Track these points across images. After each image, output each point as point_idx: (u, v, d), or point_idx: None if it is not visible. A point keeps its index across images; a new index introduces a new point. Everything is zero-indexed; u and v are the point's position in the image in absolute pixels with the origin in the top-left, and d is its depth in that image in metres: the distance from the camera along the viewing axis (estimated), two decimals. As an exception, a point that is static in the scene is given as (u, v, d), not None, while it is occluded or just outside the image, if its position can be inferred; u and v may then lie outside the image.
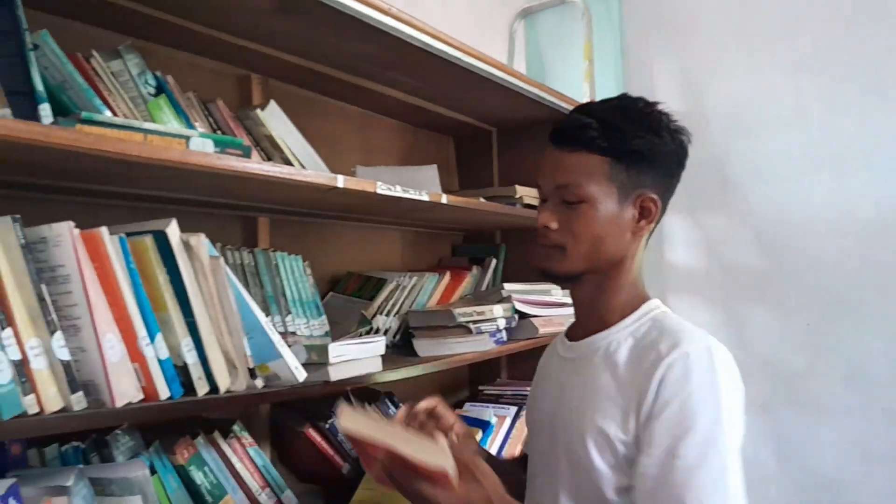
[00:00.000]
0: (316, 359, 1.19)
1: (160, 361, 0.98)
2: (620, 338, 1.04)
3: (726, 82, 2.31)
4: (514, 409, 1.82)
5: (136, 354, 0.95)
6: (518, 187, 1.88)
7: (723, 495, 0.87)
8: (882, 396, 2.07)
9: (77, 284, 0.89)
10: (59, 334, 0.87)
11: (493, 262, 2.05)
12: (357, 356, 1.26)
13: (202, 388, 1.04)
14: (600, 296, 1.07)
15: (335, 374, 1.21)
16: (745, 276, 2.29)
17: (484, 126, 2.11)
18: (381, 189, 1.31)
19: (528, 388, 1.97)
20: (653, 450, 0.90)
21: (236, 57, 1.45)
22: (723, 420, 0.90)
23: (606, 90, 2.44)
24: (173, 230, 1.00)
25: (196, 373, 1.03)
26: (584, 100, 2.09)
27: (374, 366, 1.31)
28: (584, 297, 1.10)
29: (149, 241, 0.98)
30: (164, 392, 0.98)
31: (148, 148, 0.93)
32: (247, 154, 1.09)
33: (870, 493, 2.07)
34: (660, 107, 1.05)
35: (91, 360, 0.90)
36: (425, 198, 1.40)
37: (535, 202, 1.95)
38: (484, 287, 2.01)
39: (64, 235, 0.89)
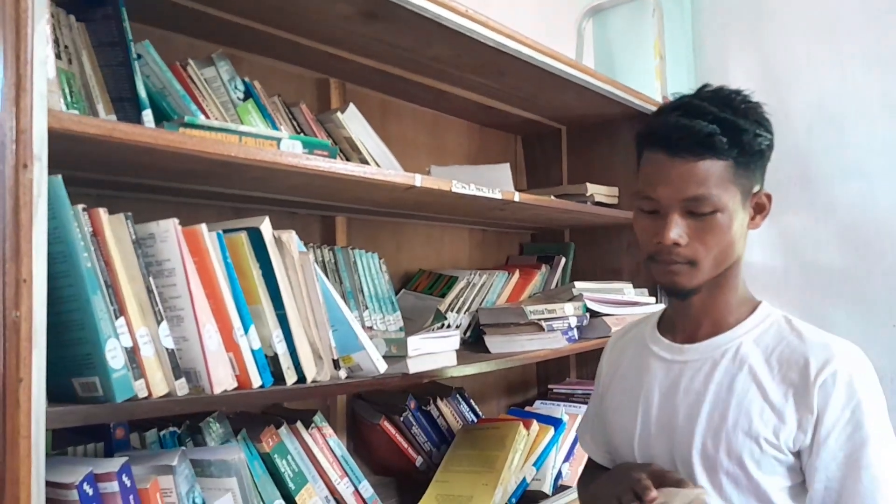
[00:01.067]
0: (395, 352, 1.22)
1: (253, 352, 1.04)
2: (747, 341, 1.02)
3: (807, 76, 2.24)
4: (584, 407, 1.81)
5: (231, 344, 1.01)
6: (589, 185, 1.89)
7: None
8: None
9: (181, 277, 0.95)
10: (164, 324, 0.94)
11: (563, 260, 2.05)
12: (433, 350, 1.29)
13: (290, 378, 1.09)
14: (714, 298, 1.04)
15: (413, 366, 1.24)
16: (827, 276, 2.22)
17: (553, 124, 2.12)
18: (457, 188, 1.34)
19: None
20: (832, 460, 0.93)
21: (317, 62, 1.51)
22: (886, 424, 0.95)
23: (679, 88, 2.41)
24: (266, 227, 1.05)
25: (285, 363, 1.08)
26: (657, 98, 2.07)
27: (449, 360, 1.34)
28: (698, 301, 1.05)
29: (244, 237, 1.04)
30: (256, 380, 1.04)
31: (244, 149, 0.99)
32: (333, 155, 1.14)
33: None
34: (749, 96, 1.00)
35: (192, 349, 0.96)
36: (498, 196, 1.43)
37: (607, 200, 1.96)
38: (553, 286, 2.01)
39: (170, 231, 0.95)
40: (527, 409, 1.83)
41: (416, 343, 1.24)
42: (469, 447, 1.56)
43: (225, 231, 1.03)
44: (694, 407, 1.02)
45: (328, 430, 1.42)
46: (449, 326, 1.61)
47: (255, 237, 1.05)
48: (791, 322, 1.03)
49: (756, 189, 1.00)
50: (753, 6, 2.35)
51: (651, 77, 2.38)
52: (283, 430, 1.34)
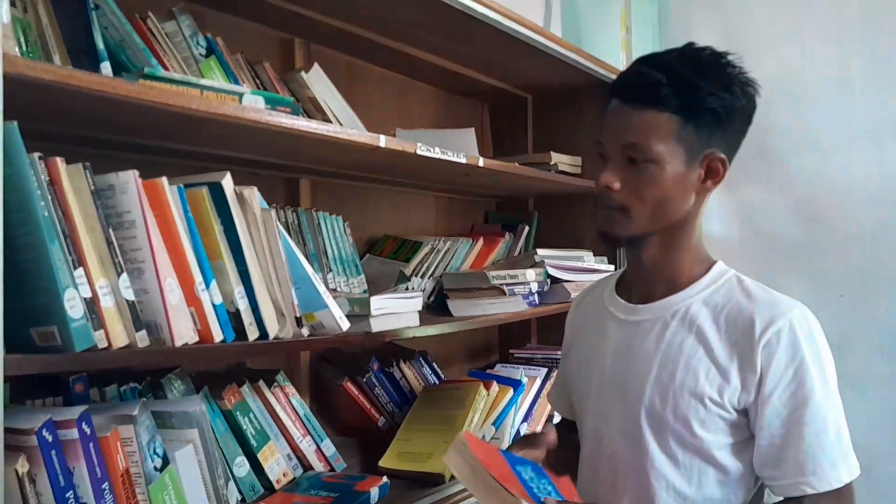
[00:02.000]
0: (358, 311, 1.24)
1: (214, 306, 1.04)
2: (697, 302, 1.03)
3: (769, 50, 2.28)
4: (544, 370, 1.86)
5: (192, 299, 1.01)
6: (553, 154, 1.91)
7: (845, 451, 0.97)
8: (914, 368, 2.07)
9: (141, 230, 0.95)
10: (125, 276, 0.93)
11: (526, 229, 2.08)
12: (396, 310, 1.31)
13: (253, 334, 1.10)
14: (666, 257, 1.05)
15: (376, 325, 1.26)
16: (782, 246, 2.29)
17: (520, 93, 2.13)
18: (421, 150, 1.35)
19: (559, 353, 2.03)
20: (776, 417, 0.96)
21: (281, 20, 1.49)
22: (830, 381, 0.97)
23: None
24: (228, 182, 1.05)
25: (247, 319, 1.09)
26: (622, 69, 2.09)
27: (412, 320, 1.36)
28: (648, 260, 1.06)
29: (205, 192, 1.04)
30: (217, 335, 1.04)
31: (205, 102, 0.98)
32: (296, 112, 1.13)
33: (898, 463, 2.09)
34: (730, 58, 0.99)
35: (153, 302, 0.96)
36: (463, 160, 1.44)
37: (571, 169, 1.99)
38: (516, 253, 2.04)
39: (130, 183, 0.94)
40: (488, 371, 1.86)
41: (379, 303, 1.25)
42: (430, 407, 1.59)
43: (186, 185, 1.02)
44: (644, 367, 1.04)
45: (291, 390, 1.43)
46: (413, 289, 1.62)
47: (217, 192, 1.04)
48: (742, 282, 1.04)
49: (710, 152, 0.98)
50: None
51: (617, 48, 2.41)
52: (246, 388, 1.35)
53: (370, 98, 1.81)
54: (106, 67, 1.08)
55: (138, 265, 0.96)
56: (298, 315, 1.16)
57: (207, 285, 1.03)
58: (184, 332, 0.99)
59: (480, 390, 1.58)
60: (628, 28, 2.41)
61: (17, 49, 1.02)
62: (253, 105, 1.07)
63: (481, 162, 1.49)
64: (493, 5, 1.46)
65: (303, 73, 1.45)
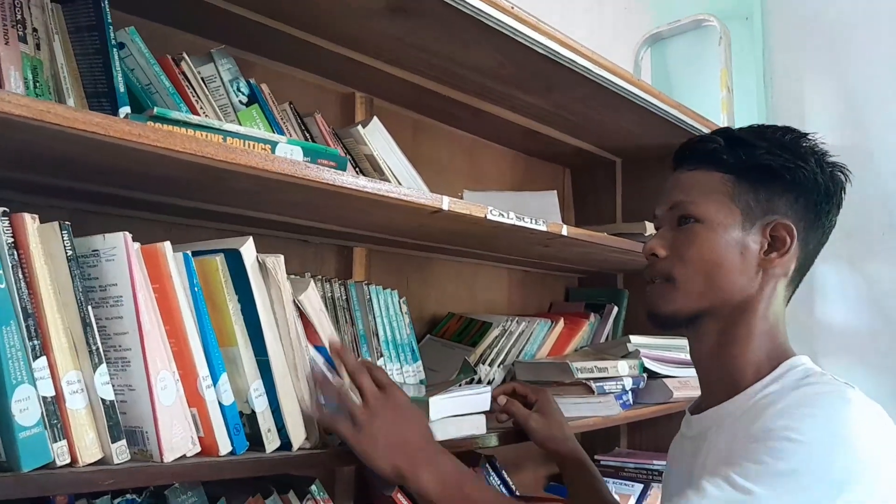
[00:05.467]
0: (412, 415, 0.98)
1: (223, 408, 0.81)
2: (757, 404, 0.82)
3: (894, 111, 1.97)
4: (639, 486, 1.54)
5: (194, 398, 0.79)
6: (648, 224, 1.63)
7: None
8: None
9: (130, 309, 0.74)
10: (103, 368, 0.72)
11: (615, 309, 1.79)
12: (461, 411, 1.05)
13: (272, 443, 0.86)
14: (725, 349, 0.87)
15: (441, 431, 1.00)
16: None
17: (607, 155, 1.88)
18: (492, 215, 1.11)
19: (658, 462, 1.70)
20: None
21: (339, 70, 1.32)
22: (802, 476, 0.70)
23: (748, 121, 2.17)
24: (248, 249, 0.84)
25: (265, 423, 0.86)
26: (725, 128, 1.82)
27: (478, 426, 1.09)
28: (704, 352, 0.90)
29: (219, 261, 0.82)
30: (224, 446, 0.81)
31: (224, 149, 0.78)
32: (341, 166, 0.92)
33: None
34: (811, 136, 0.90)
35: (139, 402, 0.74)
36: (543, 228, 1.19)
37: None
38: (603, 339, 1.75)
39: (119, 248, 0.74)
40: (568, 483, 1.55)
41: (441, 405, 0.99)
42: (498, 530, 1.29)
43: (196, 253, 0.82)
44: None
45: (328, 503, 1.18)
46: (479, 382, 1.36)
47: (235, 262, 0.83)
48: (809, 375, 0.81)
49: (773, 219, 0.86)
50: (834, 31, 2.10)
51: (716, 110, 2.15)
52: (272, 501, 1.10)
53: (438, 159, 1.60)
54: (124, 113, 0.91)
55: (123, 353, 0.74)
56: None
57: (215, 380, 0.81)
58: (178, 443, 0.76)
59: (560, 512, 1.28)
60: (730, 87, 2.15)
61: (21, 89, 0.87)
62: (288, 157, 0.86)
63: (565, 230, 1.24)
64: (581, 49, 1.25)
65: (360, 128, 1.25)
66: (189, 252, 0.80)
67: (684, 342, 1.65)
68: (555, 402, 1.17)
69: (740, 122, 2.13)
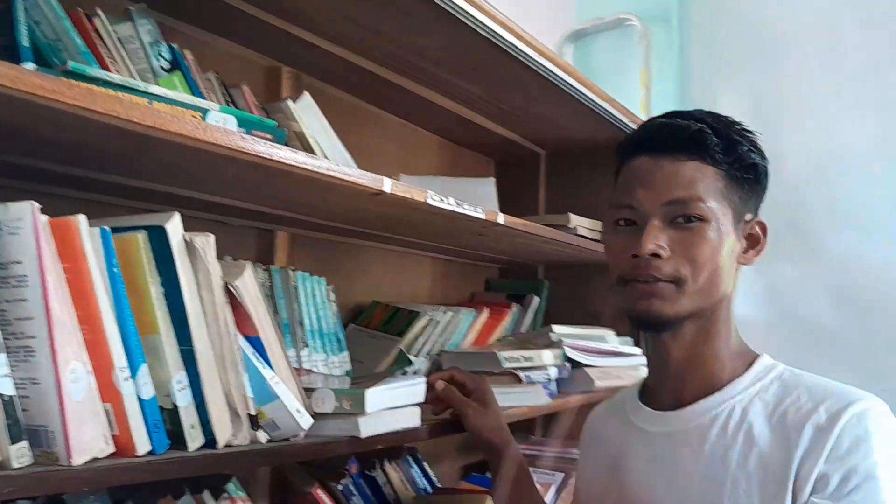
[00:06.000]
0: (349, 408, 0.93)
1: (142, 402, 0.73)
2: (743, 402, 0.83)
3: (803, 118, 2.09)
4: (559, 476, 1.55)
5: (109, 391, 0.70)
6: (572, 216, 1.64)
7: None
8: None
9: (36, 290, 0.64)
10: (2, 358, 0.62)
11: (536, 300, 1.79)
12: (397, 403, 1.00)
13: (195, 441, 0.79)
14: (703, 348, 0.87)
15: (367, 427, 0.95)
16: (816, 334, 2.03)
17: (532, 147, 1.88)
18: (433, 200, 1.07)
19: (576, 451, 1.72)
20: None
21: (266, 41, 1.23)
22: None
23: (663, 120, 2.23)
24: (174, 226, 0.76)
25: (188, 419, 0.78)
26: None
27: (413, 419, 1.05)
28: (681, 350, 0.87)
29: (141, 238, 0.74)
30: (143, 445, 0.73)
31: (152, 114, 0.69)
32: (279, 139, 0.85)
33: None
34: (744, 123, 0.90)
35: (45, 398, 0.65)
36: (481, 215, 1.16)
37: (590, 234, 1.73)
38: (523, 329, 1.75)
39: (25, 220, 0.64)
40: (488, 474, 1.54)
41: (377, 396, 0.94)
42: (423, 525, 1.26)
43: (115, 229, 0.72)
44: (681, 492, 0.83)
45: (245, 502, 1.10)
46: (416, 373, 1.31)
47: (159, 240, 0.74)
48: (799, 376, 0.84)
49: (749, 217, 0.87)
50: (749, 38, 2.20)
51: (635, 109, 2.19)
52: (186, 500, 1.02)
53: (365, 142, 1.54)
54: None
55: (27, 342, 0.65)
56: (253, 412, 0.86)
57: (134, 372, 0.72)
58: (90, 443, 0.67)
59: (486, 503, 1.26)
60: (648, 87, 2.20)
61: None
62: (221, 125, 0.78)
63: (501, 219, 1.22)
64: (525, 37, 1.22)
65: (290, 102, 1.17)
66: (108, 228, 0.71)
67: (604, 332, 1.69)
68: (492, 392, 1.14)
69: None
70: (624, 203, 0.87)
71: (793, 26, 2.12)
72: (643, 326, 0.89)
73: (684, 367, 0.88)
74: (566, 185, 1.89)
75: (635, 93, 2.22)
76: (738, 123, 0.89)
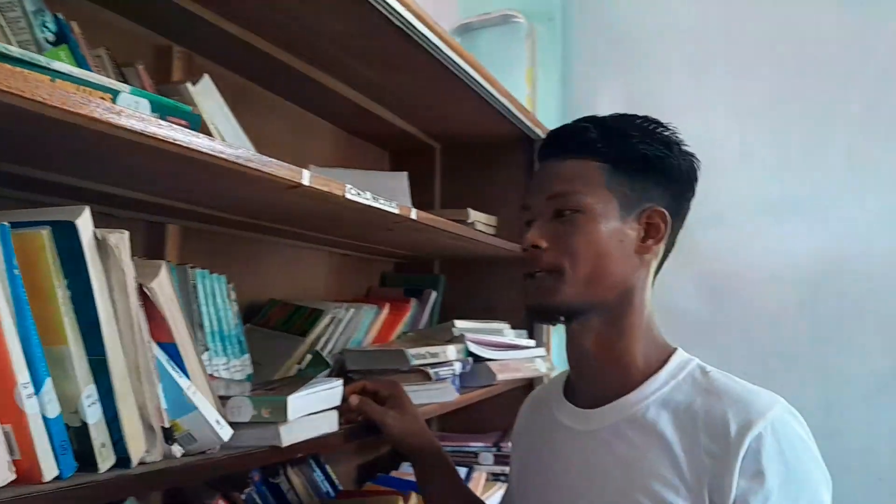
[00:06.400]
0: (268, 417, 0.87)
1: (47, 421, 0.64)
2: (657, 402, 0.85)
3: (673, 120, 2.22)
4: (463, 469, 1.56)
5: (10, 411, 0.61)
6: (471, 211, 1.66)
7: None
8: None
9: (-80, 297, 0.54)
10: None
11: (433, 295, 1.79)
12: (316, 408, 0.95)
13: (106, 461, 0.71)
14: (614, 342, 0.88)
15: (288, 435, 0.89)
16: (685, 322, 2.18)
17: (428, 140, 1.87)
18: (351, 194, 1.03)
19: (474, 444, 1.74)
20: None
21: (156, 16, 1.13)
22: (826, 496, 0.78)
23: (548, 119, 2.30)
24: (85, 222, 0.67)
25: (99, 437, 0.70)
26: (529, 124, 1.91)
27: (330, 424, 1.00)
28: (593, 347, 0.89)
29: (46, 236, 0.64)
30: (49, 470, 0.64)
31: (60, 94, 0.60)
32: (195, 125, 0.78)
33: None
34: (666, 123, 0.94)
35: (-66, 423, 0.55)
36: (395, 210, 1.14)
37: (487, 229, 1.75)
38: (422, 325, 1.74)
39: None
40: (393, 473, 1.52)
41: (299, 404, 0.89)
42: (332, 530, 1.22)
43: (13, 224, 0.63)
44: (598, 491, 0.85)
45: (143, 521, 1.01)
46: (331, 374, 1.26)
47: (66, 237, 0.66)
48: (707, 374, 0.87)
49: (648, 206, 0.88)
50: (624, 43, 2.32)
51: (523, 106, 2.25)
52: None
53: (260, 130, 1.44)
54: None
55: (-90, 359, 0.55)
56: (167, 425, 0.78)
57: (38, 388, 0.64)
58: (-12, 472, 0.58)
59: (398, 504, 1.25)
60: (534, 85, 2.27)
61: None
62: (134, 110, 0.70)
63: (414, 214, 1.20)
64: (436, 28, 1.21)
65: (188, 85, 1.08)
66: (6, 223, 0.61)
67: (501, 326, 1.73)
68: (407, 395, 1.12)
69: (541, 117, 2.26)
70: (524, 205, 0.93)
71: (663, 34, 2.27)
72: (534, 317, 0.93)
73: (599, 362, 0.89)
74: (461, 179, 1.90)
75: (521, 90, 2.27)
76: (643, 121, 0.93)
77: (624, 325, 0.88)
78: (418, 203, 1.86)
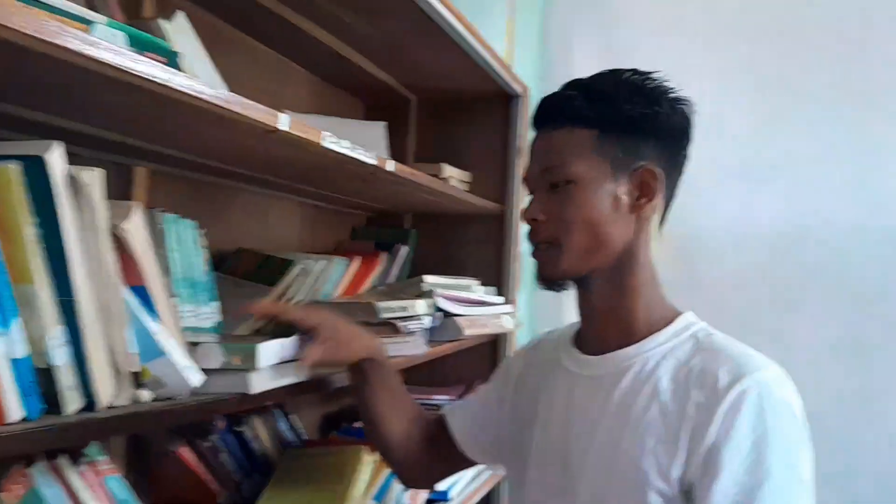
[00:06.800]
0: (239, 364, 0.86)
1: (15, 363, 0.63)
2: (657, 356, 0.88)
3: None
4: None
5: (-24, 351, 0.59)
6: (445, 166, 1.65)
7: None
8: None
9: None
10: None
11: (403, 249, 1.78)
12: (287, 357, 0.95)
13: (73, 403, 0.69)
14: (619, 299, 0.92)
15: (258, 383, 0.89)
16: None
17: (404, 92, 1.84)
18: (328, 142, 1.01)
19: (437, 397, 1.76)
20: (725, 496, 0.78)
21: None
22: (798, 462, 0.80)
23: (525, 74, 2.29)
24: (55, 157, 0.64)
25: (66, 380, 0.68)
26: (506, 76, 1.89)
27: (300, 372, 1.00)
28: (599, 303, 0.93)
29: (14, 171, 0.61)
30: (15, 411, 0.63)
31: (36, 21, 0.57)
32: (173, 63, 0.75)
33: None
34: (655, 76, 0.93)
35: None
36: (373, 161, 1.12)
37: (461, 186, 1.74)
38: (392, 279, 1.74)
39: None
40: (356, 425, 1.54)
41: (269, 351, 0.88)
42: (296, 480, 1.23)
43: (-21, 157, 0.60)
44: (587, 432, 0.89)
45: (107, 466, 1.00)
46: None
47: (36, 173, 0.63)
48: (711, 336, 0.90)
49: (640, 165, 0.89)
50: (605, 1, 2.30)
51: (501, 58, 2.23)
52: (39, 468, 0.90)
53: (235, 75, 1.39)
54: None
55: None
56: (137, 369, 0.78)
57: (5, 326, 0.62)
58: (-47, 412, 0.57)
59: (364, 456, 1.25)
60: (513, 39, 2.24)
61: None
62: (111, 43, 0.66)
63: (391, 166, 1.19)
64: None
65: (161, 22, 1.03)
66: (-28, 156, 0.58)
67: (470, 282, 1.73)
68: (337, 316, 1.08)
69: (519, 73, 2.24)
70: (524, 177, 0.96)
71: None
72: (543, 287, 0.94)
73: (604, 318, 0.93)
74: (436, 134, 1.88)
75: (500, 42, 2.24)
76: (631, 76, 0.92)
77: (627, 284, 0.91)
78: (392, 156, 1.86)
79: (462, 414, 1.13)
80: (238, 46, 1.42)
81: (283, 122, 0.90)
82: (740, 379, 0.81)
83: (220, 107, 0.79)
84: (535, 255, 0.93)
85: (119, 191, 1.16)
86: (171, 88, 0.71)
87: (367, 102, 1.89)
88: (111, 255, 0.71)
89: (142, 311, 0.78)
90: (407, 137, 1.89)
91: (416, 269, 1.79)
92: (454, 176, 1.70)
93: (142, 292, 0.78)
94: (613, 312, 0.92)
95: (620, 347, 0.91)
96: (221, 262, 1.42)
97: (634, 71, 0.93)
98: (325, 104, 1.74)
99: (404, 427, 1.12)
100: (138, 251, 0.75)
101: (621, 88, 0.91)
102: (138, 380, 0.79)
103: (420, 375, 1.89)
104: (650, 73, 0.93)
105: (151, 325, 0.78)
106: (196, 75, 1.04)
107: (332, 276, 1.52)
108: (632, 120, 0.89)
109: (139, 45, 0.71)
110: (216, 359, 0.87)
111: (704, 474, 0.80)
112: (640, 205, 0.90)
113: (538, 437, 0.95)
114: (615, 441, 0.86)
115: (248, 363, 0.87)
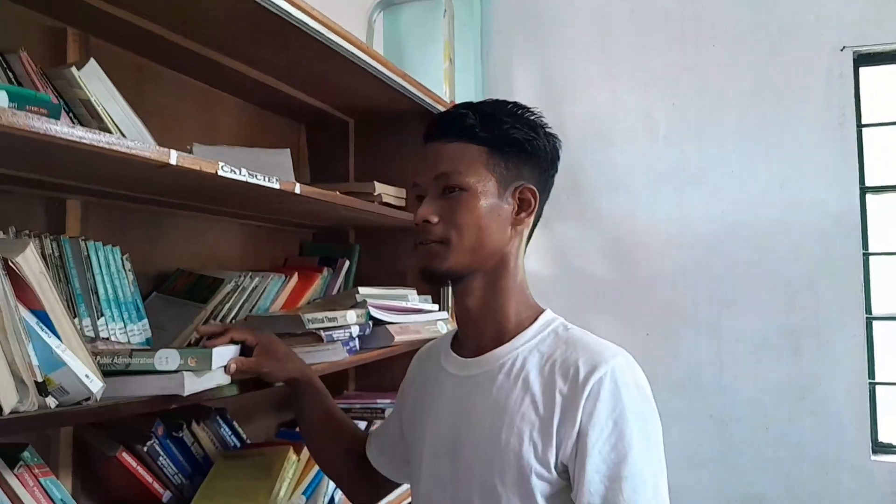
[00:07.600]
0: (194, 366, 1.00)
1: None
2: (525, 352, 0.99)
3: (583, 92, 2.36)
4: (363, 423, 1.68)
5: None
6: (377, 184, 1.76)
7: None
8: (711, 404, 2.19)
9: None
10: None
11: (347, 263, 1.90)
12: (221, 363, 1.08)
13: (-24, 410, 0.80)
14: (491, 301, 1.02)
15: (191, 384, 1.00)
16: (592, 284, 2.34)
17: (341, 115, 1.96)
18: (224, 171, 1.12)
19: (381, 401, 1.86)
20: (596, 473, 0.89)
21: (47, 1, 1.19)
22: (651, 434, 0.93)
23: (466, 93, 2.40)
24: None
25: (-32, 390, 0.79)
26: (446, 100, 2.01)
27: (224, 375, 1.11)
28: (474, 305, 1.03)
29: None
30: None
31: None
32: (54, 114, 0.86)
33: (697, 496, 2.18)
34: (534, 109, 1.05)
35: None
36: (276, 185, 1.23)
37: (395, 201, 1.85)
38: (335, 291, 1.85)
39: None
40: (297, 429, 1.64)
41: (221, 355, 1.04)
42: (229, 477, 1.34)
43: None
44: (473, 428, 0.98)
45: (43, 469, 1.12)
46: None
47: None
48: (568, 329, 1.01)
49: (520, 184, 1.00)
50: (538, 20, 2.43)
51: (440, 80, 2.34)
52: (-25, 473, 1.01)
53: (165, 107, 1.53)
54: None
55: None
56: (40, 379, 0.88)
57: None
58: None
59: (290, 455, 1.36)
60: (451, 60, 2.35)
61: None
62: (-11, 100, 0.78)
63: (297, 189, 1.30)
64: (313, 13, 1.29)
65: (73, 70, 1.15)
66: None
67: (405, 292, 1.84)
68: (277, 339, 1.21)
69: (460, 94, 2.36)
70: (414, 182, 1.04)
71: (570, 10, 2.37)
72: (427, 279, 1.04)
73: (479, 318, 1.03)
74: (374, 152, 1.99)
75: (441, 64, 2.35)
76: (513, 106, 1.03)
77: (500, 286, 1.01)
78: (334, 175, 1.97)
79: (377, 441, 1.23)
80: (169, 82, 1.54)
81: (173, 157, 1.01)
82: (597, 368, 0.92)
83: (104, 148, 0.90)
84: (422, 251, 1.00)
85: (52, 223, 1.28)
86: (50, 136, 0.83)
87: (308, 125, 2.01)
88: (5, 280, 0.82)
89: (42, 329, 0.89)
90: (347, 157, 2.00)
91: (362, 280, 1.90)
92: (388, 192, 1.81)
93: (42, 315, 0.89)
94: (488, 312, 1.02)
95: (493, 347, 1.01)
96: (161, 283, 1.54)
97: (516, 103, 1.04)
98: (264, 130, 1.86)
99: (341, 447, 1.24)
100: (33, 281, 0.86)
101: (507, 114, 1.01)
102: (44, 388, 0.90)
103: (368, 381, 2.00)
104: (529, 107, 1.04)
105: (51, 340, 0.89)
106: (108, 117, 1.17)
107: (270, 291, 1.63)
108: (516, 142, 0.99)
109: (20, 101, 0.83)
110: (174, 362, 0.99)
111: (577, 456, 0.91)
112: (520, 218, 1.01)
113: (429, 437, 1.05)
114: (497, 433, 0.94)
115: (203, 365, 1.00)
